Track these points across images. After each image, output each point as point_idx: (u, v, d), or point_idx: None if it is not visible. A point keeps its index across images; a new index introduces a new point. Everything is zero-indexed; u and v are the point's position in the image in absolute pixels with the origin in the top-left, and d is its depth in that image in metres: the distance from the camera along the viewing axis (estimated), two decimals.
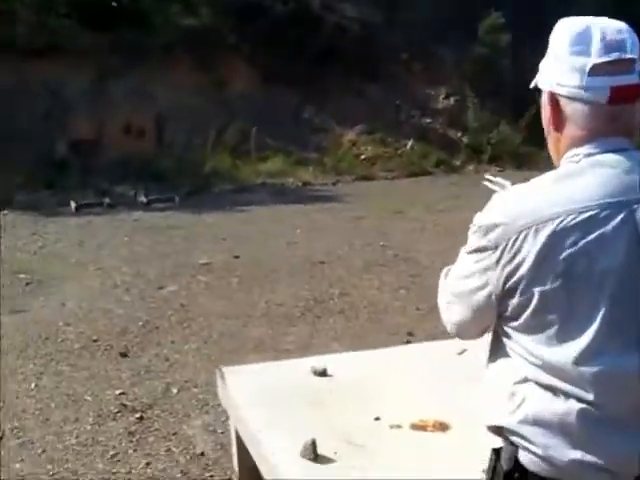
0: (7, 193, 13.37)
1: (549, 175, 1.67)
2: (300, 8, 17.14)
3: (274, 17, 16.71)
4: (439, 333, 2.73)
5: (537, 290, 1.57)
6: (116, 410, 5.01)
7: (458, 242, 1.89)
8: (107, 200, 12.97)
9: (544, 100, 1.74)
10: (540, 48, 1.86)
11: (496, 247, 1.62)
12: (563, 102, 1.69)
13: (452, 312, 1.79)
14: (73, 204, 12.77)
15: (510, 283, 1.61)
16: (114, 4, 16.30)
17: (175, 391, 5.28)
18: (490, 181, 2.19)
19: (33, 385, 5.47)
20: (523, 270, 1.58)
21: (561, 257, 1.55)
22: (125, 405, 5.09)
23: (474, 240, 1.69)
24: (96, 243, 10.24)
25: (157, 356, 6.03)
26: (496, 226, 1.63)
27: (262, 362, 5.69)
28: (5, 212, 12.36)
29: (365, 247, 9.56)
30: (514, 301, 1.62)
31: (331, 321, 6.85)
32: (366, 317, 6.90)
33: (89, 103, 15.18)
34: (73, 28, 15.87)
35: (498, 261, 1.62)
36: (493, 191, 1.95)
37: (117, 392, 5.29)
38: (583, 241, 1.55)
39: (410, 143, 16.52)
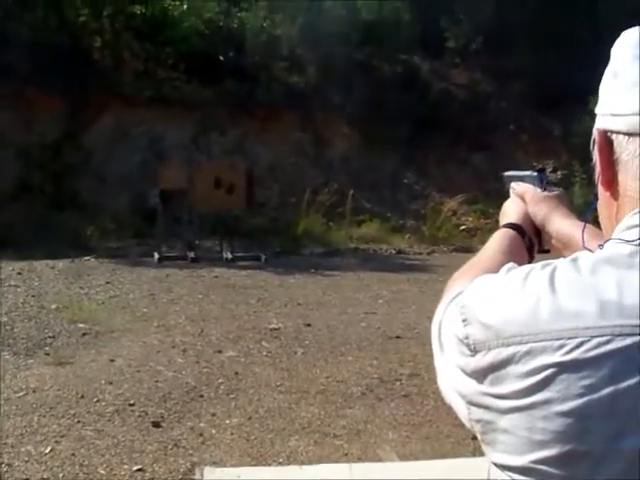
0: (96, 240, 13.31)
1: (588, 258, 0.95)
2: (408, 71, 16.74)
3: (381, 79, 16.33)
4: None
5: (522, 459, 0.89)
6: None
7: None
8: (191, 254, 12.65)
9: (595, 148, 1.07)
10: None
11: (475, 351, 0.95)
12: (618, 142, 1.01)
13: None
14: (156, 255, 12.52)
15: (485, 420, 0.95)
16: (221, 58, 16.25)
17: (197, 474, 4.69)
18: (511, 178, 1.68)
19: (49, 449, 4.98)
20: (501, 412, 0.92)
21: (561, 409, 0.86)
22: None
23: (450, 316, 1.04)
24: (168, 298, 9.85)
25: (192, 430, 5.46)
26: (478, 322, 0.96)
27: (303, 447, 5.12)
28: (87, 258, 12.18)
29: None
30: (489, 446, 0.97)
31: (392, 405, 6.15)
32: (432, 404, 6.16)
33: (185, 155, 15.04)
34: (179, 80, 15.89)
35: (473, 375, 0.96)
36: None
37: (135, 468, 4.74)
38: (610, 388, 0.84)
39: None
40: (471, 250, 14.95)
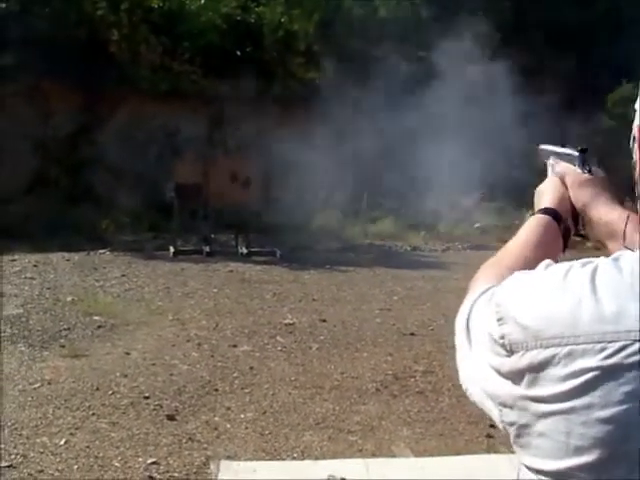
0: (111, 233, 13.35)
1: (630, 258, 0.91)
2: (425, 68, 16.67)
3: (397, 76, 16.26)
4: None
5: (557, 463, 0.86)
6: None
7: None
8: (206, 248, 12.67)
9: (635, 145, 1.04)
10: None
11: (511, 352, 0.91)
12: None
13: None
14: (172, 249, 12.54)
15: (520, 423, 0.91)
16: (238, 53, 16.24)
17: (212, 468, 4.68)
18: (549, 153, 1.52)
19: (64, 441, 4.98)
20: (537, 415, 0.88)
21: (602, 415, 0.83)
22: (152, 478, 4.52)
23: (486, 314, 0.99)
24: (183, 291, 9.87)
25: (207, 423, 5.45)
26: (515, 322, 0.92)
27: (317, 442, 5.11)
28: (103, 251, 12.21)
29: None
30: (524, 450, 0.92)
31: (407, 402, 6.12)
32: (447, 402, 6.13)
33: (201, 149, 15.06)
34: (195, 74, 15.89)
35: (509, 376, 0.92)
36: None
37: (149, 461, 4.73)
38: None
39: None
40: (486, 248, 14.91)
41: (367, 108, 15.87)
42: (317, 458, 4.75)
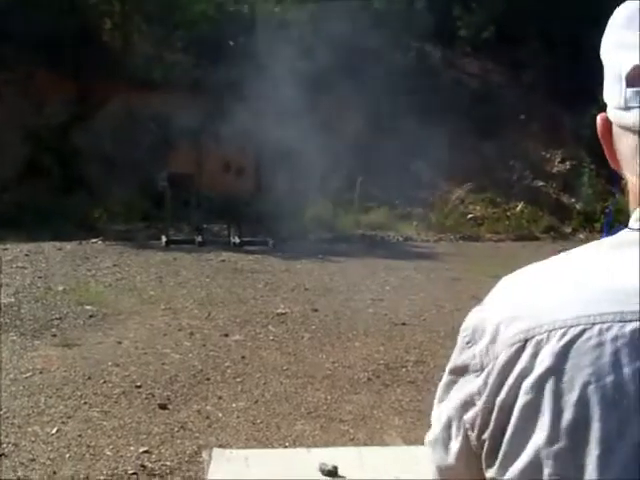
0: (103, 223, 13.33)
1: (599, 246, 0.95)
2: (419, 59, 16.68)
3: (392, 67, 16.26)
4: None
5: (527, 452, 0.85)
6: (132, 471, 4.46)
7: None
8: (199, 238, 12.66)
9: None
10: None
11: (481, 368, 0.92)
12: (615, 132, 0.98)
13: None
14: (164, 239, 12.53)
15: (489, 432, 0.91)
16: (231, 43, 16.20)
17: (204, 456, 4.69)
18: None
19: (55, 430, 4.99)
20: (505, 412, 0.88)
21: (569, 399, 0.83)
22: (144, 467, 4.53)
23: (454, 354, 0.99)
24: (175, 281, 9.87)
25: (198, 412, 5.47)
26: (484, 332, 0.92)
27: (309, 431, 5.12)
28: (94, 241, 12.19)
29: (454, 312, 8.77)
30: (496, 464, 0.90)
31: (399, 391, 6.15)
32: None
33: (194, 139, 15.02)
34: (188, 64, 15.85)
35: (481, 392, 0.91)
36: None
37: (141, 450, 4.74)
38: (613, 376, 0.82)
39: (520, 206, 15.69)
40: (477, 239, 14.99)
41: (360, 97, 15.86)
42: (309, 447, 4.76)
